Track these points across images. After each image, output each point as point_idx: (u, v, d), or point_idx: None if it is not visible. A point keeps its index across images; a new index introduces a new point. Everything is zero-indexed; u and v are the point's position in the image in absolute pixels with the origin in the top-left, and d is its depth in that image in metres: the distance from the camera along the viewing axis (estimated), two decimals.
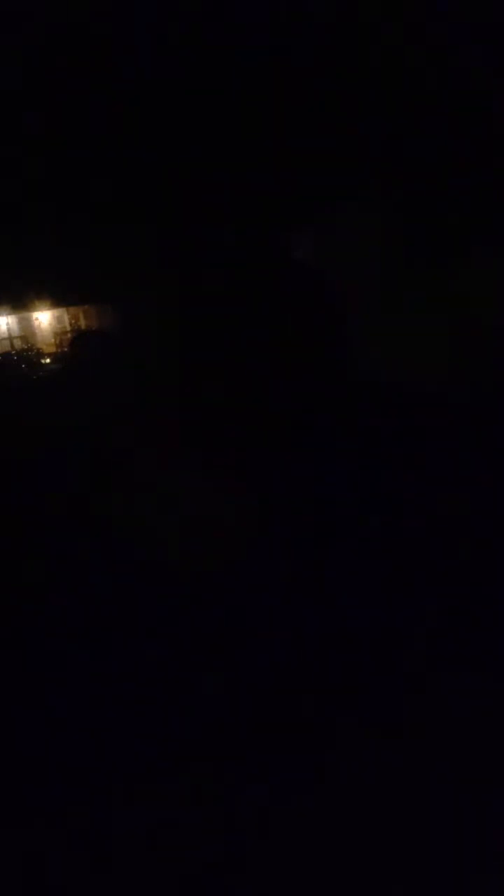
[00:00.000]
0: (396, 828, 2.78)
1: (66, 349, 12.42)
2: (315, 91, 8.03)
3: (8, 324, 12.93)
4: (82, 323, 13.00)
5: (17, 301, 12.56)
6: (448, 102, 7.98)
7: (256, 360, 7.04)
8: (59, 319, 13.11)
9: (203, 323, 7.35)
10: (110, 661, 4.04)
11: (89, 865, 2.82)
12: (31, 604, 4.74)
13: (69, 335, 12.77)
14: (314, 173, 8.28)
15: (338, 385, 7.02)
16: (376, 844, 2.73)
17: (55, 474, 6.59)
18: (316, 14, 7.80)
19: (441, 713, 3.32)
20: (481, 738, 3.14)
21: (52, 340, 13.00)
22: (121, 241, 8.28)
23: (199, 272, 7.78)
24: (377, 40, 7.73)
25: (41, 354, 12.76)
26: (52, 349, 12.87)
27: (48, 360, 12.55)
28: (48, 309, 12.91)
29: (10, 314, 12.89)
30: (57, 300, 12.58)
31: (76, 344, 11.90)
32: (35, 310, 12.88)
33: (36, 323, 13.06)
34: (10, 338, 12.91)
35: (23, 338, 13.00)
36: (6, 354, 12.74)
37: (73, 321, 13.09)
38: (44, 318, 13.05)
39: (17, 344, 12.90)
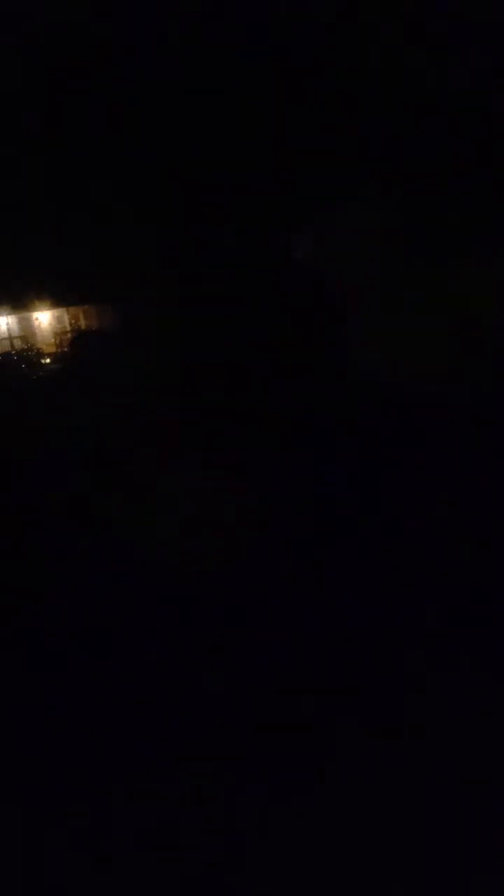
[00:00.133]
0: (396, 828, 2.79)
1: (66, 349, 12.43)
2: (315, 92, 8.03)
3: (8, 324, 12.94)
4: (82, 323, 13.01)
5: (17, 301, 12.57)
6: (448, 103, 7.98)
7: (256, 359, 7.04)
8: (59, 319, 13.12)
9: (203, 323, 7.35)
10: (110, 661, 4.05)
11: (89, 865, 2.82)
12: (31, 603, 4.74)
13: (69, 335, 12.79)
14: (314, 173, 8.28)
15: (337, 385, 7.02)
16: (376, 844, 2.73)
17: (55, 474, 6.59)
18: (316, 14, 7.80)
19: (441, 713, 3.33)
20: (481, 739, 3.14)
21: (52, 340, 13.01)
22: (121, 241, 8.28)
23: (199, 272, 7.78)
24: (377, 41, 7.73)
25: (41, 354, 12.77)
26: (52, 349, 12.89)
27: (48, 360, 12.57)
28: (48, 309, 12.93)
29: (10, 314, 12.90)
30: (57, 300, 12.59)
31: (76, 344, 11.91)
32: (35, 310, 12.89)
33: (36, 323, 13.07)
34: (10, 338, 12.92)
35: (23, 338, 13.01)
36: (6, 354, 12.76)
37: (73, 321, 13.11)
38: (44, 318, 13.06)
39: (17, 344, 12.91)
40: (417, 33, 7.80)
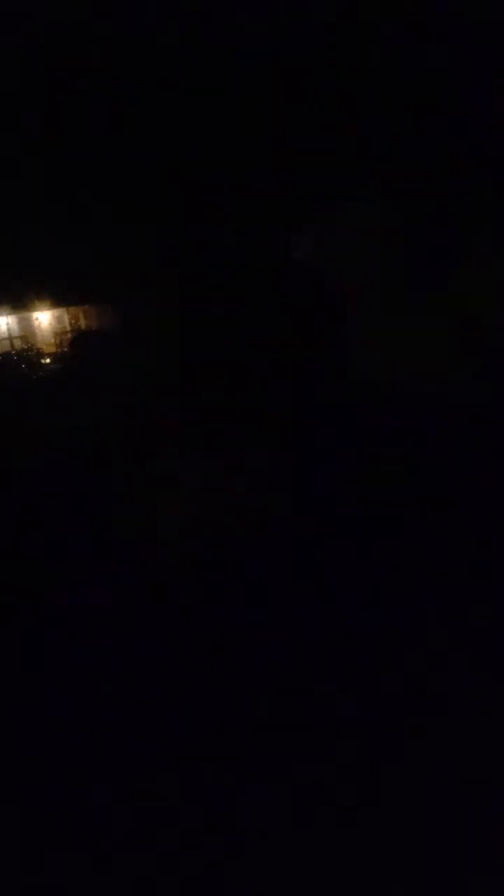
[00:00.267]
0: (396, 827, 2.78)
1: (66, 349, 12.42)
2: (315, 91, 8.03)
3: (8, 324, 12.94)
4: (82, 323, 13.01)
5: (17, 301, 12.56)
6: (448, 103, 7.98)
7: (256, 359, 7.04)
8: (59, 319, 13.12)
9: (203, 323, 7.35)
10: (110, 661, 4.05)
11: (88, 866, 2.82)
12: (31, 602, 4.74)
13: (69, 335, 12.78)
14: (314, 173, 8.28)
15: (337, 385, 7.02)
16: (376, 844, 2.73)
17: (55, 474, 6.59)
18: (316, 14, 7.80)
19: (441, 713, 3.33)
20: (481, 739, 3.14)
21: (52, 340, 13.01)
22: (121, 241, 8.28)
23: (199, 272, 7.78)
24: (377, 40, 7.73)
25: (41, 354, 12.77)
26: (52, 349, 12.88)
27: (48, 360, 12.56)
28: (48, 309, 12.92)
29: (10, 314, 12.89)
30: (57, 300, 12.58)
31: (76, 344, 11.90)
32: (35, 310, 12.89)
33: (36, 323, 13.07)
34: (10, 338, 12.92)
35: (23, 338, 13.01)
36: (6, 354, 12.75)
37: (73, 321, 13.10)
38: (44, 318, 13.06)
39: (17, 344, 12.91)
40: (417, 33, 7.80)
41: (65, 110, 8.28)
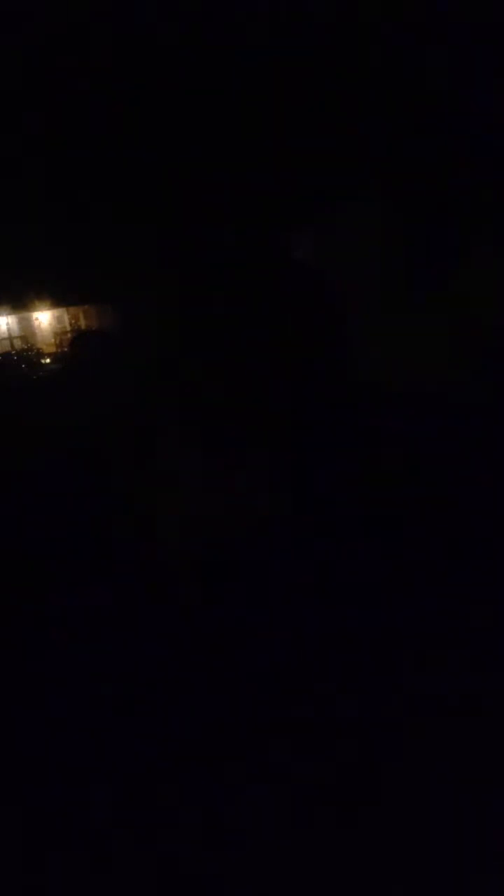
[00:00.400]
0: (396, 827, 2.79)
1: (66, 349, 12.42)
2: (315, 91, 8.03)
3: (8, 324, 12.94)
4: (82, 323, 13.01)
5: (17, 301, 12.57)
6: (448, 103, 7.98)
7: (256, 360, 7.04)
8: (59, 319, 13.12)
9: (203, 323, 7.35)
10: (111, 661, 4.05)
11: (89, 866, 2.82)
12: (31, 602, 4.74)
13: (69, 335, 12.78)
14: (314, 173, 8.28)
15: (337, 385, 7.02)
16: (376, 844, 2.73)
17: (55, 473, 6.59)
18: (316, 14, 7.80)
19: (441, 713, 3.33)
20: (481, 739, 3.14)
21: (52, 340, 13.01)
22: (121, 241, 8.28)
23: (199, 272, 7.78)
24: (377, 40, 7.73)
25: (41, 354, 12.77)
26: (52, 349, 12.88)
27: (48, 360, 12.56)
28: (48, 309, 12.92)
29: (10, 314, 12.90)
30: (57, 300, 12.59)
31: (76, 344, 11.90)
32: (35, 310, 12.89)
33: (36, 323, 13.07)
34: (10, 338, 12.92)
35: (23, 338, 13.02)
36: (6, 354, 12.76)
37: (73, 321, 13.11)
38: (44, 318, 13.06)
39: (17, 344, 12.92)
40: (418, 33, 7.80)
41: (65, 110, 8.29)
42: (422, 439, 6.31)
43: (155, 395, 6.96)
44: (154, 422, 6.57)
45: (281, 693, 3.65)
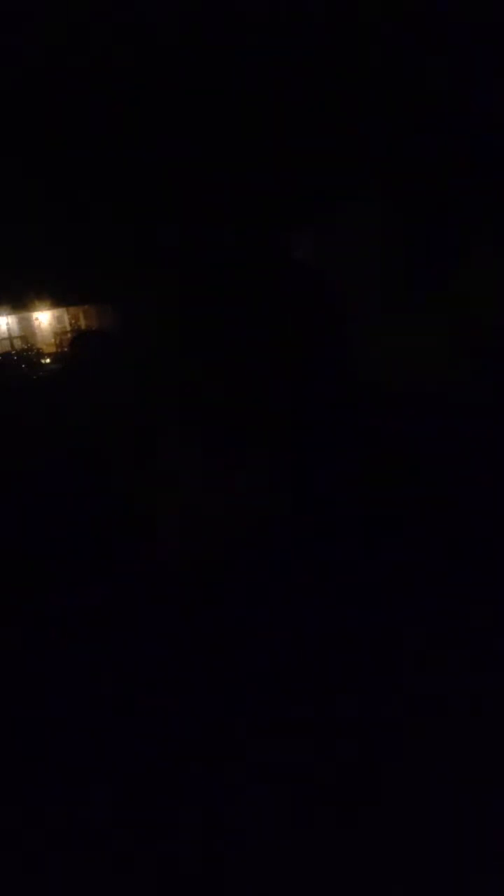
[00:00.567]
0: (396, 827, 2.79)
1: (66, 349, 12.43)
2: (315, 92, 8.03)
3: (8, 324, 12.95)
4: (82, 323, 13.02)
5: (17, 301, 12.58)
6: (448, 103, 7.98)
7: (256, 360, 7.04)
8: (59, 319, 13.13)
9: (203, 323, 7.35)
10: (110, 661, 4.05)
11: (89, 866, 2.83)
12: (31, 602, 4.74)
13: (69, 335, 12.80)
14: (314, 173, 8.28)
15: (337, 385, 7.02)
16: (376, 844, 2.73)
17: (55, 473, 6.59)
18: (316, 14, 7.80)
19: (441, 713, 3.33)
20: (481, 738, 3.14)
21: (52, 340, 13.03)
22: (121, 241, 8.28)
23: (199, 272, 7.78)
24: (377, 40, 7.73)
25: (41, 354, 12.78)
26: (52, 349, 12.90)
27: (48, 360, 12.58)
28: (48, 309, 12.94)
29: (10, 314, 12.91)
30: (57, 300, 12.60)
31: (76, 344, 11.91)
32: (35, 310, 12.90)
33: (36, 323, 13.09)
34: (10, 338, 12.94)
35: (23, 338, 13.03)
36: (6, 354, 12.77)
37: (73, 321, 13.12)
38: (44, 318, 13.08)
39: (17, 344, 12.93)
40: (417, 33, 7.80)
41: (65, 111, 8.29)
42: (422, 439, 6.31)
43: (155, 395, 6.96)
44: (154, 421, 6.58)
45: (281, 693, 3.65)
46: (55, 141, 8.36)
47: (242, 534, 4.95)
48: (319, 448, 6.29)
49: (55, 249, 9.15)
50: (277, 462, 6.00)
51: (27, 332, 13.03)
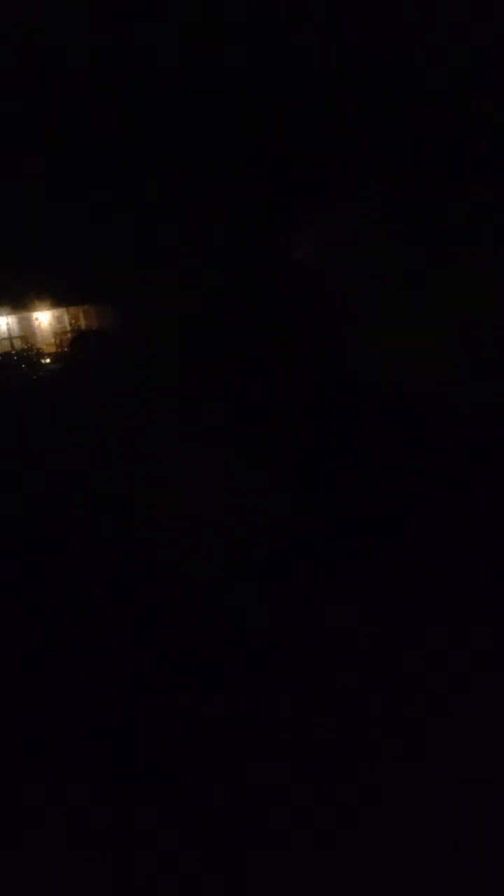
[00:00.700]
0: (396, 827, 2.79)
1: (66, 349, 12.44)
2: (315, 91, 8.04)
3: (8, 324, 12.95)
4: (82, 323, 13.02)
5: (17, 301, 12.58)
6: (448, 102, 7.99)
7: (256, 360, 7.04)
8: (59, 319, 13.13)
9: (203, 323, 7.35)
10: (110, 661, 4.05)
11: (89, 866, 2.83)
12: (31, 602, 4.74)
13: (69, 335, 12.80)
14: (314, 173, 8.28)
15: (337, 385, 7.03)
16: (376, 844, 2.73)
17: (55, 473, 6.59)
18: (316, 14, 7.81)
19: (441, 713, 3.33)
20: (481, 738, 3.14)
21: (52, 340, 13.03)
22: (121, 241, 8.29)
23: (199, 272, 7.78)
24: (377, 40, 7.74)
25: (41, 354, 12.78)
26: (52, 349, 12.90)
27: (48, 360, 12.58)
28: (48, 309, 12.94)
29: (10, 314, 12.91)
30: (57, 300, 12.60)
31: (76, 344, 11.92)
32: (35, 310, 12.90)
33: (36, 323, 13.09)
34: (10, 338, 12.94)
35: (23, 338, 13.03)
36: (6, 354, 12.77)
37: (73, 321, 13.12)
38: (44, 318, 13.07)
39: (17, 344, 12.93)
40: (417, 33, 7.80)
41: (65, 110, 8.29)
42: (422, 439, 6.31)
43: (155, 395, 6.96)
44: (154, 421, 6.58)
45: (281, 693, 3.65)
46: (55, 141, 8.37)
47: (242, 533, 4.95)
48: (319, 448, 6.30)
49: (55, 249, 9.16)
50: (277, 461, 6.00)
51: (27, 332, 13.03)
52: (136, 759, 3.36)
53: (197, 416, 6.60)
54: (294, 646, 4.01)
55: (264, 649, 4.00)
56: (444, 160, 8.05)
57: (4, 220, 9.05)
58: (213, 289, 7.61)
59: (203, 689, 3.77)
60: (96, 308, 12.48)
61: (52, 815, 3.10)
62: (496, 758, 3.06)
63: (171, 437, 6.33)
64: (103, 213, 8.45)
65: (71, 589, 4.85)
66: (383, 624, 4.10)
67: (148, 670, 3.97)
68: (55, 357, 12.59)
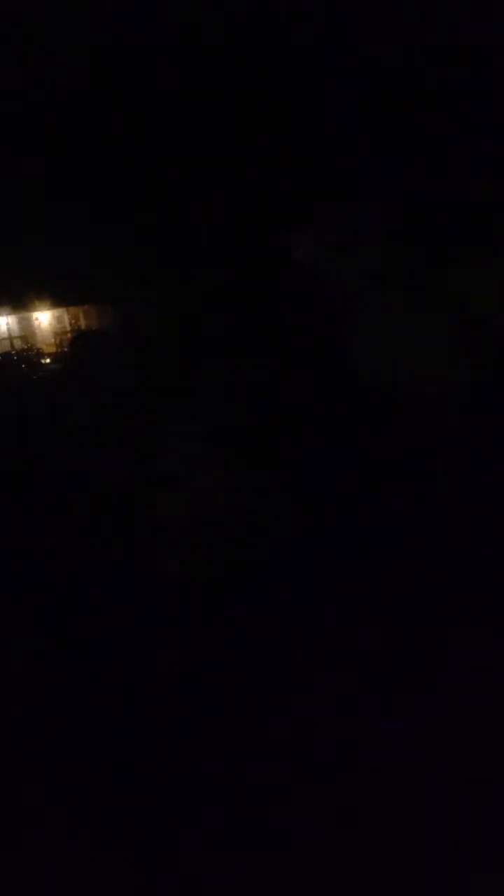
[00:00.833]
0: (396, 827, 2.79)
1: (66, 349, 12.43)
2: (315, 91, 8.04)
3: (8, 324, 12.94)
4: (82, 323, 13.02)
5: (17, 301, 12.57)
6: (448, 103, 7.99)
7: (256, 360, 7.04)
8: (59, 319, 13.12)
9: (203, 323, 7.36)
10: (110, 661, 4.05)
11: (89, 866, 2.83)
12: (31, 602, 4.74)
13: (69, 335, 12.79)
14: (314, 173, 8.28)
15: (337, 385, 7.03)
16: (376, 844, 2.73)
17: (55, 474, 6.59)
18: (316, 14, 7.81)
19: (441, 713, 3.33)
20: (481, 738, 3.14)
21: (52, 340, 13.02)
22: (121, 241, 8.29)
23: (199, 272, 7.78)
24: (377, 40, 7.74)
25: (41, 354, 12.78)
26: (52, 349, 12.89)
27: (48, 360, 12.57)
28: (48, 309, 12.93)
29: (10, 314, 12.90)
30: (57, 300, 12.59)
31: (76, 344, 11.91)
32: (35, 310, 12.89)
33: (36, 323, 13.08)
34: (10, 338, 12.93)
35: (23, 338, 13.02)
36: (6, 354, 12.76)
37: (73, 321, 13.11)
38: (44, 318, 13.07)
39: (17, 344, 12.92)
40: (417, 32, 7.80)
41: (65, 109, 8.29)
42: (421, 438, 6.31)
43: (155, 396, 6.96)
44: (154, 422, 6.58)
45: (281, 693, 3.65)
46: (55, 141, 8.37)
47: (243, 535, 4.95)
48: (320, 447, 6.30)
49: (55, 249, 9.16)
50: (277, 461, 6.00)
51: (27, 332, 13.03)
52: (136, 759, 3.36)
53: (197, 416, 6.60)
54: (294, 646, 4.01)
55: (264, 649, 4.00)
56: (444, 160, 8.05)
57: (4, 220, 9.05)
58: (213, 289, 7.62)
59: (203, 689, 3.77)
60: (96, 308, 12.47)
61: (52, 815, 3.10)
62: (496, 758, 3.06)
63: (172, 437, 6.33)
64: (103, 212, 8.45)
65: (71, 589, 4.85)
66: (383, 624, 4.10)
67: (148, 670, 3.97)
68: (55, 357, 12.58)
